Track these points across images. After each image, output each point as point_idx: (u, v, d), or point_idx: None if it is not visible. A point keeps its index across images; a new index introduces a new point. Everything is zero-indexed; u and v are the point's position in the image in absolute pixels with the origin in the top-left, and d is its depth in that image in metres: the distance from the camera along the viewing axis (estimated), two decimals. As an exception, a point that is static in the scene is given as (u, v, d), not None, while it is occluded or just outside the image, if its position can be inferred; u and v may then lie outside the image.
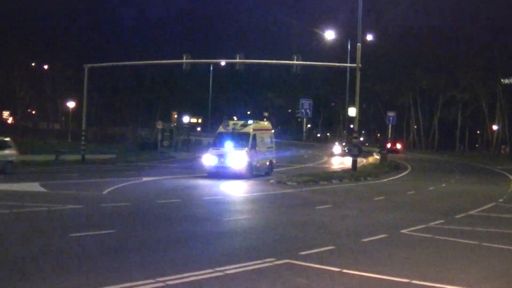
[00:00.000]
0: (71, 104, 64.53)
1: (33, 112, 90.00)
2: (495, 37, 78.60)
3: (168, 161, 43.28)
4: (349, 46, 49.63)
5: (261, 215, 16.13)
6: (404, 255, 10.77)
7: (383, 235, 12.74)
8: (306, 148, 78.91)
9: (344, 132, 77.58)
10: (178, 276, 8.45)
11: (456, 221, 15.75)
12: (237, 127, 30.34)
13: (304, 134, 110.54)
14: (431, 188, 27.20)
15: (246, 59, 39.16)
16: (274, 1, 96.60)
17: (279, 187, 24.63)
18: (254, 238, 12.32)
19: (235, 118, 52.02)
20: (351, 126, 47.42)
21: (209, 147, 30.18)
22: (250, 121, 31.16)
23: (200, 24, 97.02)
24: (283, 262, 9.66)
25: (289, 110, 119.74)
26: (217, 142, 29.83)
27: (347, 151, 44.47)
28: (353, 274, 9.07)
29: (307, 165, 43.10)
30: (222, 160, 28.28)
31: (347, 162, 39.73)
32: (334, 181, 28.14)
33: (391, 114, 77.61)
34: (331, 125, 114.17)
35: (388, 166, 40.23)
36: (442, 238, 12.80)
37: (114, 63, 53.98)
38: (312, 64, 47.29)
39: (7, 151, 26.65)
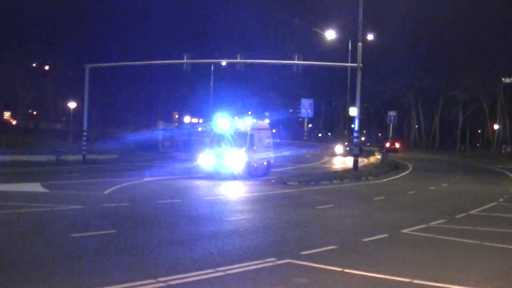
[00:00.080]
0: (72, 104, 64.52)
1: (34, 112, 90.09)
2: (495, 36, 78.58)
3: (169, 161, 43.27)
4: (350, 46, 49.66)
5: (262, 215, 16.13)
6: (405, 255, 10.78)
7: (384, 235, 12.75)
8: (307, 148, 78.87)
9: (345, 131, 77.62)
10: (179, 276, 8.46)
11: (457, 221, 15.75)
12: (234, 126, 29.36)
13: (305, 134, 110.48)
14: (431, 188, 27.19)
15: (247, 59, 39.16)
16: (275, 0, 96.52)
17: (280, 187, 24.61)
18: (255, 238, 12.33)
19: (236, 118, 51.72)
20: (352, 125, 47.42)
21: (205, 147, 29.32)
22: (247, 120, 30.16)
23: (201, 24, 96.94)
24: (284, 262, 9.67)
25: (290, 110, 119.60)
26: (213, 142, 29.09)
27: (348, 150, 44.49)
28: (354, 274, 9.08)
29: (308, 165, 43.09)
30: (219, 160, 27.46)
31: (349, 162, 39.73)
32: (335, 181, 28.14)
33: (392, 113, 77.72)
34: (332, 125, 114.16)
35: (388, 165, 40.22)
36: (443, 237, 12.80)
37: (115, 63, 53.98)
38: (313, 64, 47.30)
39: None
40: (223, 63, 48.69)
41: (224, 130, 29.17)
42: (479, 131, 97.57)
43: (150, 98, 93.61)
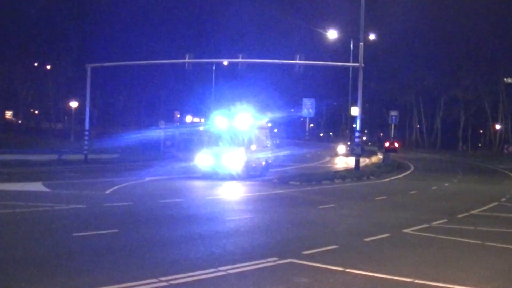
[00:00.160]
0: (73, 104, 64.60)
1: (36, 112, 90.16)
2: (497, 36, 78.59)
3: (170, 160, 43.30)
4: (351, 46, 49.63)
5: (264, 214, 16.13)
6: (407, 255, 10.77)
7: (385, 235, 12.74)
8: (309, 147, 78.88)
9: (347, 131, 77.65)
10: (181, 275, 8.47)
11: (459, 221, 15.74)
12: (232, 125, 28.66)
13: (307, 133, 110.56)
14: (433, 188, 27.17)
15: (248, 58, 39.16)
16: (277, 0, 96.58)
17: (281, 187, 24.59)
18: (256, 238, 12.33)
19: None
20: (354, 125, 47.42)
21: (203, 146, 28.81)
22: (245, 118, 29.05)
23: (203, 23, 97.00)
24: (286, 261, 9.67)
25: (292, 110, 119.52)
26: (211, 141, 28.67)
27: (349, 150, 44.47)
28: (355, 274, 9.08)
29: (310, 164, 43.10)
30: (217, 160, 26.99)
31: (351, 162, 39.70)
32: (336, 181, 28.12)
33: (393, 113, 77.78)
34: (334, 124, 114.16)
35: (390, 165, 40.22)
36: (445, 237, 12.80)
37: (117, 63, 54.07)
38: (314, 64, 47.28)
39: None
40: (225, 62, 48.73)
41: (221, 129, 28.71)
42: (481, 131, 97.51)
43: (151, 98, 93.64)
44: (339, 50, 63.27)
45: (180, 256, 10.03)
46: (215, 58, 55.18)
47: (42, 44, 76.60)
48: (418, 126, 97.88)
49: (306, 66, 40.36)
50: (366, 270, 9.24)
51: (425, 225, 14.41)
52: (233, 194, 22.32)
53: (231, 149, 27.43)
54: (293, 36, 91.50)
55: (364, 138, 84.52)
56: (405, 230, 13.53)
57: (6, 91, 76.19)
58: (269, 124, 38.64)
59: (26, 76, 76.28)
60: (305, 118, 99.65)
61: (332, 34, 48.48)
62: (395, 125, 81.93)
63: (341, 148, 59.91)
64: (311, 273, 9.03)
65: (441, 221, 15.35)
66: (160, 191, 21.47)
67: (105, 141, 60.84)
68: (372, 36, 51.37)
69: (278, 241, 11.88)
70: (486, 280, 9.13)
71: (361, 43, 33.93)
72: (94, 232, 11.88)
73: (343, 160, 49.97)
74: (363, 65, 34.43)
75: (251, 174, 28.12)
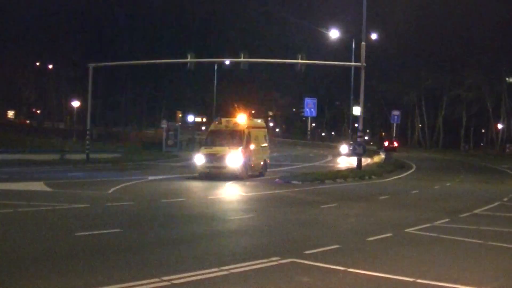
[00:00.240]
0: (75, 103, 64.64)
1: (38, 111, 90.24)
2: (499, 35, 78.49)
3: (172, 160, 43.35)
4: (353, 45, 49.61)
5: (266, 214, 16.13)
6: (409, 254, 10.76)
7: (388, 234, 12.73)
8: (311, 147, 78.90)
9: (349, 131, 77.63)
10: (183, 275, 8.46)
11: (461, 220, 15.71)
12: (230, 124, 28.82)
13: (309, 133, 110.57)
14: (435, 187, 27.15)
15: (251, 58, 39.16)
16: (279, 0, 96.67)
17: (283, 186, 24.59)
18: (259, 237, 12.33)
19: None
20: (356, 125, 47.39)
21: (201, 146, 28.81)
22: (243, 118, 29.19)
23: (204, 23, 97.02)
24: (288, 261, 9.66)
25: (294, 109, 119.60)
26: (209, 141, 28.62)
27: (351, 150, 44.43)
28: (358, 273, 9.06)
29: (312, 164, 43.08)
30: (215, 159, 26.94)
31: (353, 161, 39.66)
32: (338, 180, 28.10)
33: (395, 113, 77.82)
34: (336, 124, 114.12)
35: (392, 165, 40.18)
36: (447, 237, 12.77)
37: (119, 62, 54.17)
38: (316, 63, 47.28)
39: None
40: (227, 62, 48.70)
41: (220, 129, 28.81)
42: (483, 130, 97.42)
43: (153, 97, 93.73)
44: (341, 50, 63.26)
45: (182, 255, 10.03)
46: (217, 57, 55.04)
47: (44, 44, 76.67)
48: (420, 125, 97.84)
49: (308, 65, 40.37)
50: (368, 270, 9.22)
51: (428, 225, 14.38)
52: (234, 194, 22.30)
53: (229, 149, 27.31)
54: (295, 35, 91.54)
55: (366, 138, 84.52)
56: (407, 230, 13.51)
57: (8, 91, 76.24)
58: (271, 124, 38.65)
59: (28, 76, 76.34)
60: (307, 117, 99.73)
61: (334, 34, 48.49)
62: (397, 124, 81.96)
63: (344, 148, 59.85)
64: (313, 273, 9.02)
65: (444, 220, 15.32)
66: (162, 190, 21.49)
67: (107, 141, 60.94)
68: (374, 36, 51.36)
69: (280, 240, 11.87)
70: (489, 279, 9.11)
71: (363, 43, 33.92)
72: (96, 232, 11.88)
73: (345, 160, 49.92)
74: (365, 64, 34.43)
75: (249, 173, 28.11)
